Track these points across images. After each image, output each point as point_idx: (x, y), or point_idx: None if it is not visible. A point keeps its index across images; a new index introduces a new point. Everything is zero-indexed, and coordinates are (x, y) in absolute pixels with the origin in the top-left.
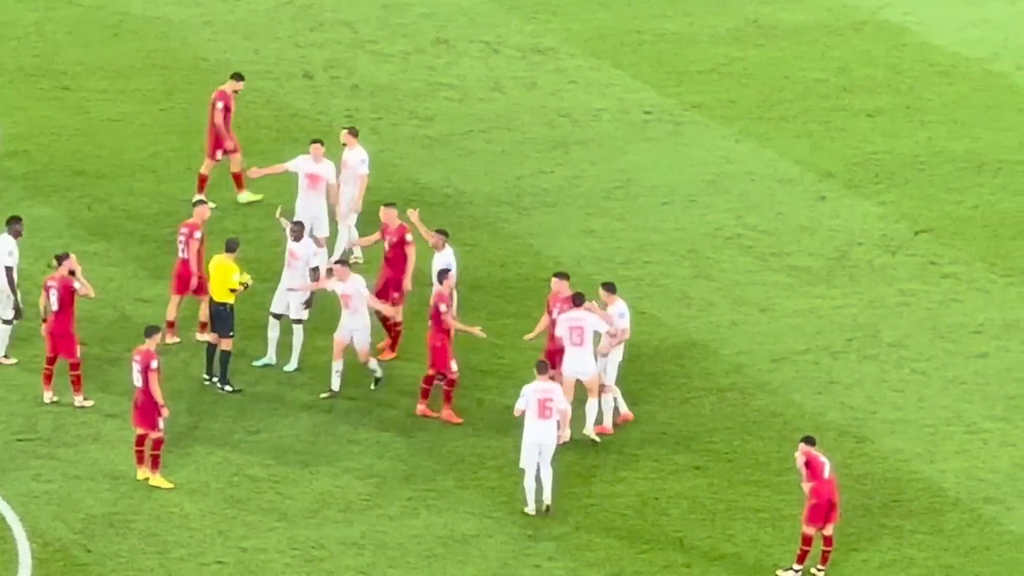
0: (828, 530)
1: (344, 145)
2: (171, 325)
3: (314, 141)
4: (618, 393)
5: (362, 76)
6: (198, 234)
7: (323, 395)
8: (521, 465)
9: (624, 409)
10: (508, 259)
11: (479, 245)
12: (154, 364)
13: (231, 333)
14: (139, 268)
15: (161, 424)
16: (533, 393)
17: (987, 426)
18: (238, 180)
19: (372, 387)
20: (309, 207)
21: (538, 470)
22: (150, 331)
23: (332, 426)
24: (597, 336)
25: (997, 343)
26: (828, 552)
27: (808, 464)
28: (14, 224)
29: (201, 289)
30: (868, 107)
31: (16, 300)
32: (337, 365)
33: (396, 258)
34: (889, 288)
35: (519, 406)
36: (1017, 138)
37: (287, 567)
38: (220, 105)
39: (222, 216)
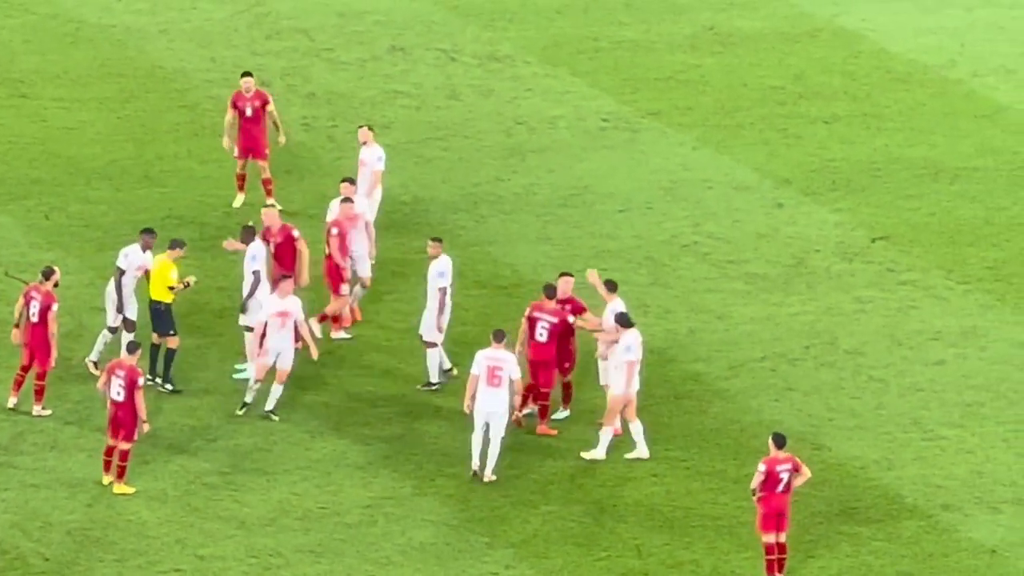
0: (781, 537)
1: (363, 144)
2: (336, 320)
3: (344, 180)
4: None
5: (318, 84)
6: (335, 231)
7: (238, 411)
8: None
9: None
10: (465, 267)
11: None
12: (140, 381)
13: (172, 331)
14: (96, 276)
15: (136, 437)
16: (484, 360)
17: (944, 433)
18: (264, 185)
19: (239, 411)
20: (352, 247)
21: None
22: (132, 347)
23: (289, 434)
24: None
25: (954, 350)
26: (783, 559)
27: (767, 475)
28: (146, 236)
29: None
30: (825, 114)
31: (119, 306)
32: (256, 385)
33: (284, 256)
34: (846, 295)
35: (473, 371)
36: (974, 145)
37: (244, 575)
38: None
39: (177, 224)
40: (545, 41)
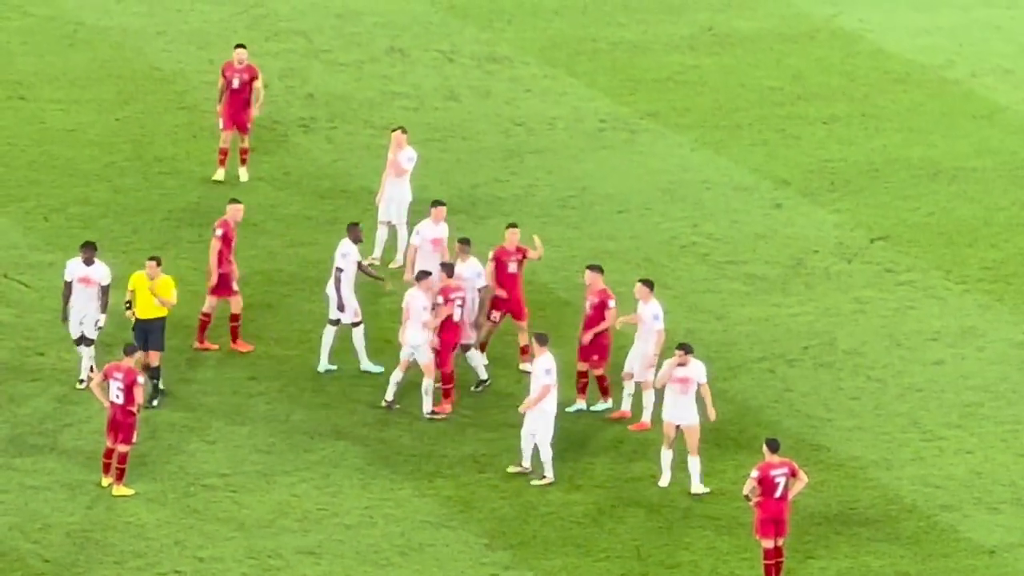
0: (779, 542)
1: (397, 146)
2: (525, 351)
3: (436, 203)
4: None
5: (317, 85)
6: (491, 254)
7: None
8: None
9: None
10: None
11: None
12: (141, 380)
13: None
14: None
15: (134, 439)
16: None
17: (943, 433)
18: (240, 154)
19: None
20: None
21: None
22: (130, 349)
23: (289, 435)
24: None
25: (953, 350)
26: (781, 563)
27: (761, 481)
28: (85, 250)
29: (518, 314)
30: (823, 115)
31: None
32: (396, 375)
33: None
34: (845, 296)
35: (548, 382)
36: (972, 145)
37: None
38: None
39: (176, 226)
40: (543, 42)
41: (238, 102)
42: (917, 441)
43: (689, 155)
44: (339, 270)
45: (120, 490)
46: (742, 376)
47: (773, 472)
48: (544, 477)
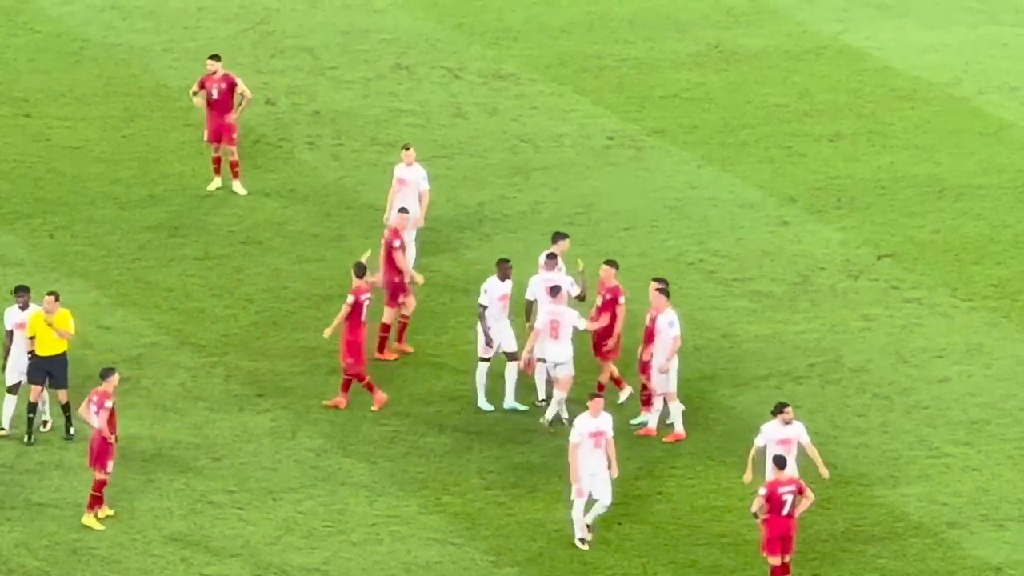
0: (786, 559)
1: (408, 165)
2: (603, 386)
3: (561, 235)
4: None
5: (323, 102)
6: (622, 300)
7: (545, 427)
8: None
9: (678, 426)
10: (470, 285)
11: (441, 271)
12: (109, 403)
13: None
14: (101, 295)
15: (110, 466)
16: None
17: (950, 451)
18: (231, 168)
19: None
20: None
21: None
22: (106, 373)
23: (295, 452)
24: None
25: (959, 368)
26: None
27: (769, 498)
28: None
29: (608, 357)
30: (829, 132)
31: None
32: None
33: (389, 261)
34: (851, 313)
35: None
36: (979, 163)
37: None
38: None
39: (182, 243)
40: (550, 59)
41: (219, 113)
42: (923, 458)
43: (695, 172)
44: (482, 307)
45: (88, 520)
46: (748, 393)
47: (781, 490)
48: (585, 540)
